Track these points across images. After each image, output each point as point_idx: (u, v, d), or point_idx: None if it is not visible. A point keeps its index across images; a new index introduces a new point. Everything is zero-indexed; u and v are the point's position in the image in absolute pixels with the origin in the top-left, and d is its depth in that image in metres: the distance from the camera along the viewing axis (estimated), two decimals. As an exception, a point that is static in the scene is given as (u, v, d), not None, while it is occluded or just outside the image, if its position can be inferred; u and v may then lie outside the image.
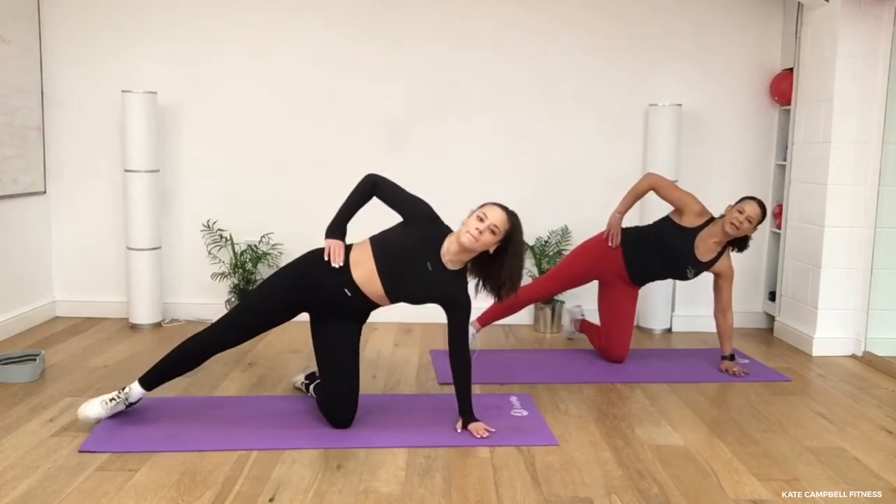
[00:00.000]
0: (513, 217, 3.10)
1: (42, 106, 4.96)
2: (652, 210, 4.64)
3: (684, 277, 4.22)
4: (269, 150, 5.12)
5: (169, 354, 3.26)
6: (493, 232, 3.04)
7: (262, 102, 5.09)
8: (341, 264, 3.13)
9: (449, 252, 3.13)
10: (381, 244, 3.17)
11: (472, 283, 3.23)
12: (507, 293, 3.17)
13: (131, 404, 3.26)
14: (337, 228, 3.22)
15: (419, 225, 3.18)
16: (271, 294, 3.26)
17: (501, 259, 3.11)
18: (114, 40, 5.01)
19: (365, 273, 3.13)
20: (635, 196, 4.25)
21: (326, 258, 3.14)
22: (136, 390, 3.24)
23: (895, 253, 4.56)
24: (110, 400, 3.20)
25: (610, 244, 4.22)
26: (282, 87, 5.08)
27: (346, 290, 3.15)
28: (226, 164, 5.12)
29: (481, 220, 3.04)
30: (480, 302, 3.36)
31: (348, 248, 3.20)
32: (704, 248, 4.10)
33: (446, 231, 3.21)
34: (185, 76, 5.05)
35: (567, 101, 5.17)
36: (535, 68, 5.14)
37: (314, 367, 3.71)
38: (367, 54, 5.08)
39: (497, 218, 3.05)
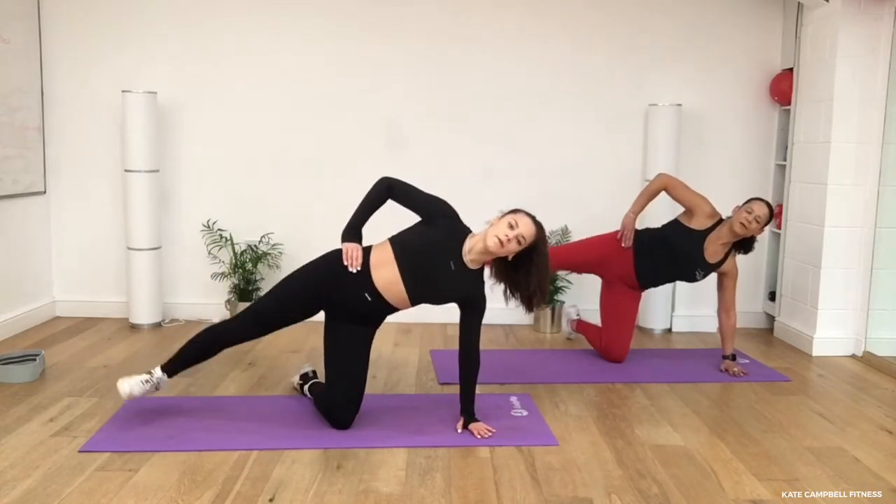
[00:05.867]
0: (540, 229, 3.11)
1: (42, 106, 4.96)
2: (655, 209, 4.63)
3: (693, 279, 4.23)
4: (269, 150, 5.12)
5: (188, 344, 3.31)
6: (519, 242, 3.05)
7: (262, 102, 5.09)
8: (359, 269, 3.12)
9: (472, 252, 3.13)
10: (402, 245, 3.15)
11: (499, 289, 3.22)
12: (537, 302, 3.19)
13: (158, 388, 3.29)
14: (353, 231, 3.20)
15: (440, 224, 3.18)
16: (292, 291, 3.26)
17: (527, 268, 3.11)
18: (114, 40, 5.01)
19: (386, 275, 3.12)
20: (648, 196, 4.25)
21: (345, 263, 3.12)
22: (159, 375, 3.27)
23: (895, 253, 4.56)
24: (144, 381, 3.23)
25: (623, 244, 4.22)
26: (282, 87, 5.08)
27: (365, 295, 3.14)
28: (226, 164, 5.12)
29: (511, 227, 3.04)
30: (501, 303, 3.37)
31: (367, 251, 3.19)
32: (713, 249, 4.10)
33: (467, 230, 3.21)
34: (185, 76, 5.05)
35: (567, 100, 5.17)
36: (536, 68, 5.14)
37: (307, 368, 3.71)
38: (368, 54, 5.08)
39: (526, 229, 3.05)
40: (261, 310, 3.31)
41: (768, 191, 5.24)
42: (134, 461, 2.89)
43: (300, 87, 5.09)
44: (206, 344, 3.30)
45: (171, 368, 3.30)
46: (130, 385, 3.21)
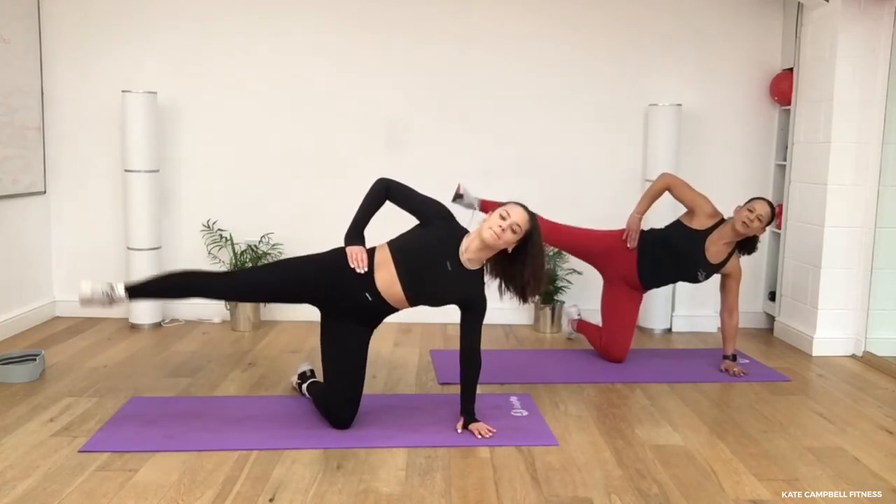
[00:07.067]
0: (533, 217, 3.12)
1: (42, 106, 4.96)
2: (657, 210, 4.63)
3: (695, 280, 4.23)
4: (269, 150, 5.12)
5: (162, 278, 3.24)
6: (514, 231, 3.05)
7: (262, 102, 5.08)
8: (366, 270, 3.12)
9: (469, 250, 3.14)
10: (400, 248, 3.16)
11: (493, 284, 3.23)
12: (531, 293, 3.19)
13: (112, 302, 3.15)
14: (356, 235, 3.20)
15: (436, 225, 3.19)
16: (294, 272, 3.25)
17: (522, 259, 3.12)
18: (114, 40, 5.01)
19: (386, 277, 3.13)
20: (652, 196, 4.25)
21: (352, 265, 3.12)
22: (120, 293, 3.15)
23: (895, 253, 4.56)
24: (104, 292, 3.11)
25: (628, 245, 4.22)
26: (282, 87, 5.08)
27: (367, 295, 3.14)
28: (226, 164, 5.12)
29: (503, 218, 3.05)
30: (500, 303, 3.38)
31: (370, 253, 3.19)
32: (715, 250, 4.10)
33: (463, 230, 3.22)
34: (185, 76, 5.05)
35: (567, 100, 5.17)
36: (536, 68, 5.14)
37: (305, 367, 3.71)
38: (368, 54, 5.09)
39: (519, 217, 3.06)
40: (254, 278, 3.32)
41: (768, 191, 5.24)
42: (134, 461, 2.88)
43: (300, 86, 5.09)
44: (181, 288, 3.25)
45: (135, 293, 3.19)
46: (92, 288, 3.11)
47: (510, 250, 3.12)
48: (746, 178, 5.25)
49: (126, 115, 4.79)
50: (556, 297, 5.09)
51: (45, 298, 5.08)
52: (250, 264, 4.97)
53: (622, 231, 4.28)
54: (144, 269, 4.88)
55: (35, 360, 3.87)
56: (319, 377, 3.59)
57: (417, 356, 4.43)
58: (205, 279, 3.29)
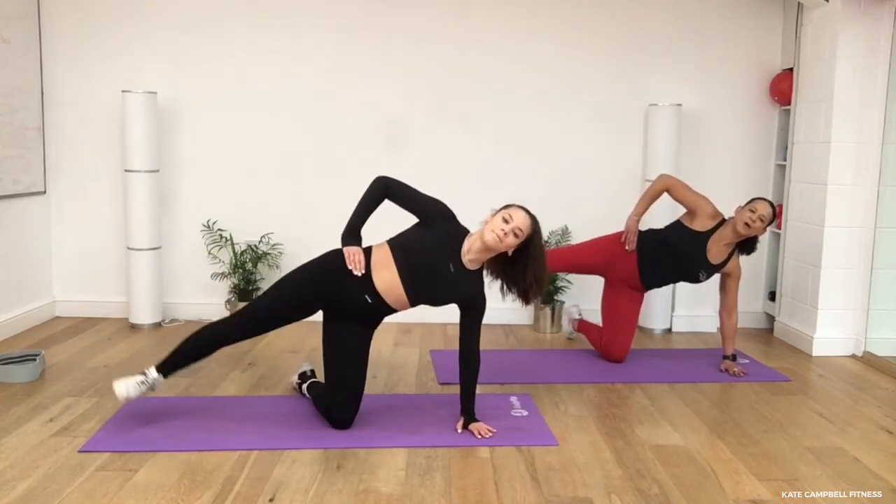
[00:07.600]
0: (534, 221, 3.12)
1: (42, 106, 4.96)
2: (655, 210, 4.63)
3: (696, 280, 4.23)
4: (269, 150, 5.12)
5: (183, 344, 3.26)
6: (516, 235, 3.05)
7: (262, 102, 5.09)
8: (363, 272, 3.12)
9: (471, 251, 3.13)
10: (401, 248, 3.15)
11: (495, 285, 3.23)
12: (535, 295, 3.19)
13: (153, 388, 3.22)
14: (352, 235, 3.19)
15: (438, 226, 3.17)
16: (291, 291, 3.24)
17: (524, 261, 3.12)
18: (114, 40, 5.01)
19: (386, 278, 3.12)
20: (650, 198, 4.25)
21: (349, 267, 3.11)
22: (154, 377, 3.20)
23: (895, 253, 4.56)
24: (140, 383, 3.16)
25: (627, 248, 4.22)
26: (282, 87, 5.08)
27: (366, 297, 3.14)
28: (226, 164, 5.12)
29: (506, 221, 3.05)
30: (500, 303, 3.38)
31: (367, 253, 3.18)
32: (716, 250, 4.10)
33: (465, 231, 3.21)
34: (185, 76, 5.05)
35: (567, 100, 5.17)
36: (536, 68, 5.14)
37: (306, 367, 3.71)
38: (368, 54, 5.09)
39: (521, 221, 3.06)
40: (259, 310, 3.30)
41: (768, 191, 5.24)
42: (134, 461, 2.89)
43: (300, 86, 5.09)
44: (203, 345, 3.26)
45: (166, 369, 3.25)
46: (126, 387, 3.17)
47: (510, 252, 3.12)
48: (746, 178, 5.25)
49: (126, 115, 4.79)
50: (556, 297, 5.09)
51: (45, 298, 5.08)
52: (250, 264, 4.98)
53: (619, 234, 4.27)
54: (144, 269, 4.91)
55: (35, 360, 3.87)
56: (320, 377, 3.59)
57: (417, 356, 4.43)
58: (217, 327, 3.28)
